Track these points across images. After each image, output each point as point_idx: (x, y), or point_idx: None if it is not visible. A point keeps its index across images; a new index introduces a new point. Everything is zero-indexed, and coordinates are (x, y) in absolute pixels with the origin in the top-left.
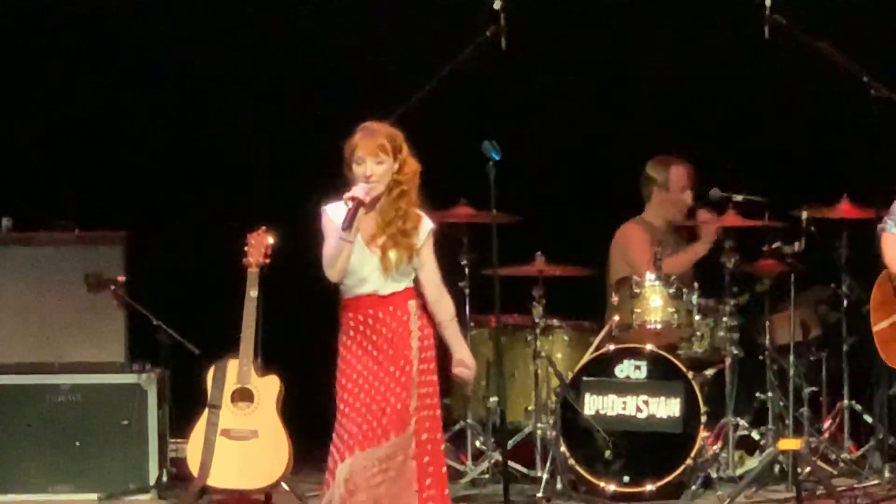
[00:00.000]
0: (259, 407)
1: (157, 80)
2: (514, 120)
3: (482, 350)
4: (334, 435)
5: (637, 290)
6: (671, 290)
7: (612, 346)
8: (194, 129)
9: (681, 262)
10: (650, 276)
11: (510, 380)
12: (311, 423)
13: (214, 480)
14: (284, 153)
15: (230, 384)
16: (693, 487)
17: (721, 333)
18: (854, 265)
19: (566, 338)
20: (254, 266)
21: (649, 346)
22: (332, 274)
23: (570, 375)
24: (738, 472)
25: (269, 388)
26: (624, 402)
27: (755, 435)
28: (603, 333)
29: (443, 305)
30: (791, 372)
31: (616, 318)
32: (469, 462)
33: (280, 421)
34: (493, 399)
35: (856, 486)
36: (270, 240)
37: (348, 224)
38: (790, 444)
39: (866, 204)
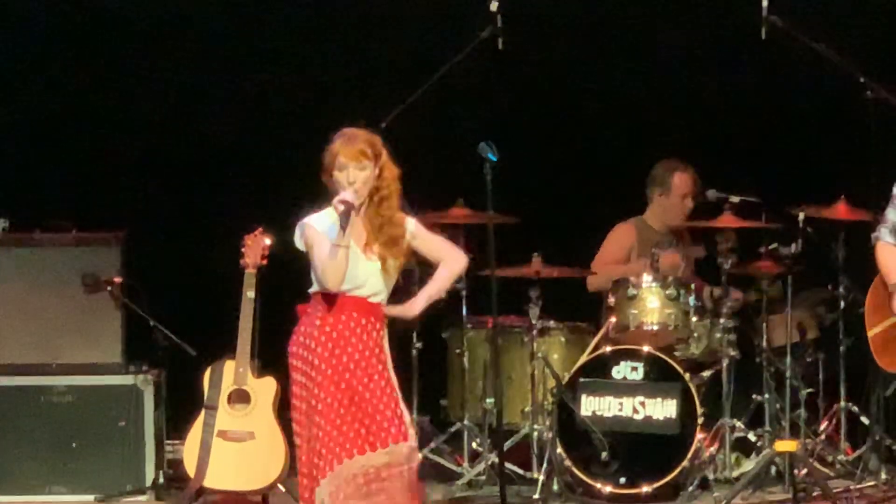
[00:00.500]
0: (256, 408)
1: (154, 81)
2: (511, 121)
3: (479, 351)
4: None
5: (634, 292)
6: (668, 292)
7: (608, 348)
8: (192, 130)
9: (618, 272)
10: (647, 278)
11: (507, 381)
12: None
13: (211, 482)
14: (282, 155)
15: (227, 385)
16: (689, 489)
17: (718, 335)
18: (851, 266)
19: (563, 339)
20: (251, 267)
21: (646, 348)
22: (331, 281)
23: (567, 377)
24: (735, 473)
25: (265, 389)
26: (620, 404)
27: (752, 436)
28: (600, 335)
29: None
30: (787, 373)
31: (613, 319)
32: (466, 463)
33: (277, 423)
34: (490, 400)
35: (852, 487)
36: (267, 241)
37: (343, 228)
38: (787, 445)
39: (863, 205)
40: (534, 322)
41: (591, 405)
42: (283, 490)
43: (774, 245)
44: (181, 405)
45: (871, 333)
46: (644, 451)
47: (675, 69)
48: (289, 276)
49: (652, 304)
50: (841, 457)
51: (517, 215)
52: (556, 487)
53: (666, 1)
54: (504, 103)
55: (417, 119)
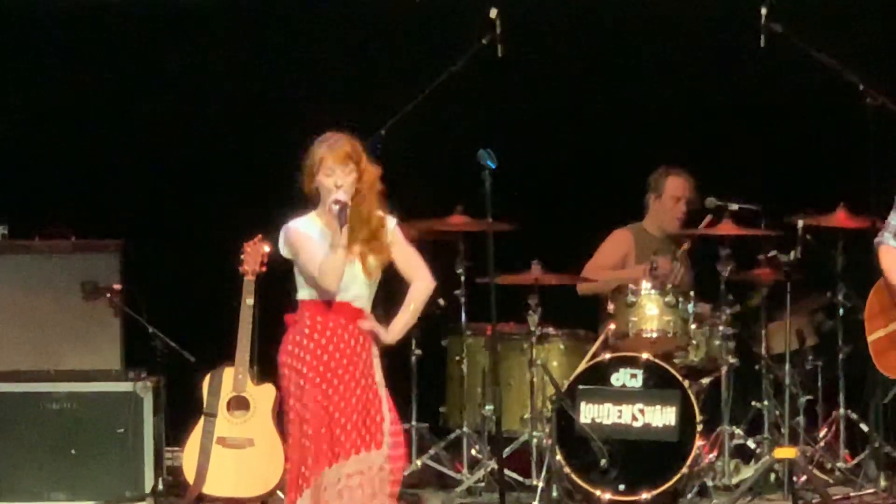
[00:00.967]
0: (255, 415)
1: (153, 88)
2: (510, 128)
3: (478, 358)
4: None
5: (633, 299)
6: (667, 299)
7: (607, 355)
8: (191, 138)
9: (616, 278)
10: (646, 285)
11: (506, 388)
12: None
13: (210, 489)
14: (281, 162)
15: (226, 392)
16: (689, 496)
17: (717, 342)
18: (850, 274)
19: (562, 346)
20: (250, 274)
21: (645, 355)
22: (329, 282)
23: (566, 384)
24: (734, 480)
25: (264, 396)
26: (620, 411)
27: (751, 443)
28: (599, 342)
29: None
30: (787, 381)
31: (612, 326)
32: (465, 470)
33: (276, 429)
34: (489, 407)
35: (851, 494)
36: (266, 248)
37: (340, 227)
38: (786, 452)
39: (862, 213)
40: (533, 329)
41: (590, 412)
42: (282, 497)
43: (773, 252)
44: (180, 412)
45: (871, 338)
46: (643, 458)
47: (675, 77)
48: (288, 283)
49: (651, 312)
50: (840, 464)
51: (516, 222)
52: (555, 494)
53: (665, 9)
54: (503, 110)
55: (417, 126)
